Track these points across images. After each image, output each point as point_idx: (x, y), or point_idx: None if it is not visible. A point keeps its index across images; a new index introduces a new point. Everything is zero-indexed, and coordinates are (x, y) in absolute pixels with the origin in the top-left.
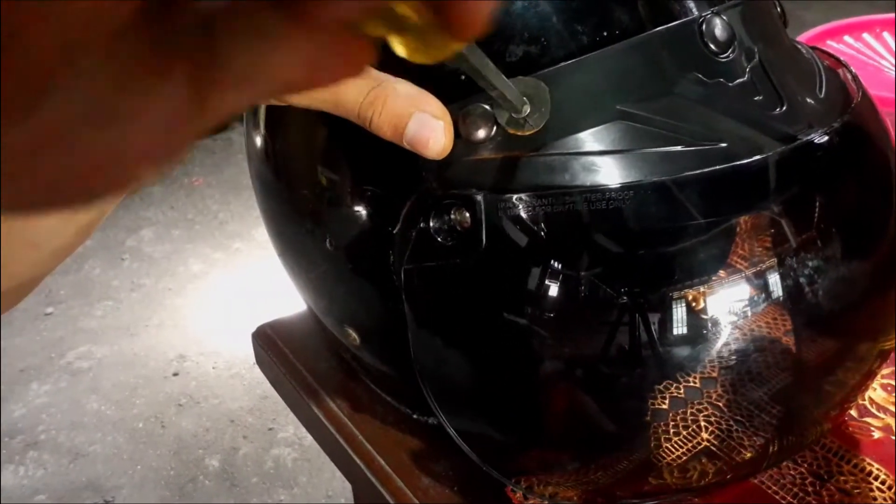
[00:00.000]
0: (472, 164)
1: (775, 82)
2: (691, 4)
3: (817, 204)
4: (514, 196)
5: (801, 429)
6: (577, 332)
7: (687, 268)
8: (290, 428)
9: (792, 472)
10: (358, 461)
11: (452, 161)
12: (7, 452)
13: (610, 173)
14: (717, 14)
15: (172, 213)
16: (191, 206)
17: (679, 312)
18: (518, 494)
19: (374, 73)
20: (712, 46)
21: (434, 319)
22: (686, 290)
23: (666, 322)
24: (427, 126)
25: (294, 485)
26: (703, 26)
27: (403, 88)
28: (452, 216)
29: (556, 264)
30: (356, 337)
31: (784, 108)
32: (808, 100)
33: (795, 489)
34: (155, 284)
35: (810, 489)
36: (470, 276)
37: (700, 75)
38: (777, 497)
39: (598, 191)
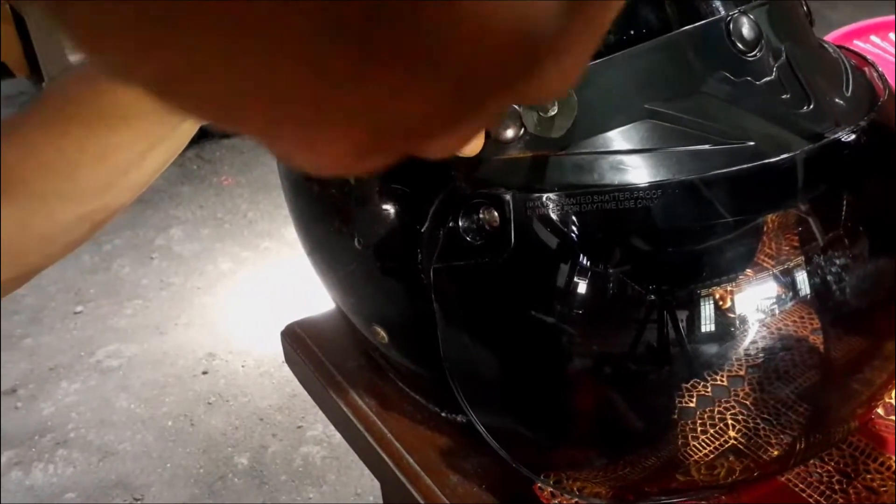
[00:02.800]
0: (500, 164)
1: (802, 81)
2: (717, 4)
3: (845, 202)
4: (543, 195)
5: (828, 427)
6: (606, 330)
7: (715, 266)
8: (319, 426)
9: (819, 471)
10: (386, 459)
11: (481, 160)
12: (37, 450)
13: (638, 172)
14: (744, 13)
15: (202, 212)
16: (220, 205)
17: (708, 310)
18: (546, 492)
19: None
20: (740, 45)
21: (463, 318)
22: (715, 288)
23: (695, 320)
24: None
25: (323, 483)
26: (731, 25)
27: None
28: (481, 215)
29: (584, 263)
30: (384, 335)
31: (811, 106)
32: (835, 98)
33: (822, 487)
34: (184, 283)
35: (837, 487)
36: (499, 275)
37: (728, 74)
38: (804, 495)
39: (627, 189)
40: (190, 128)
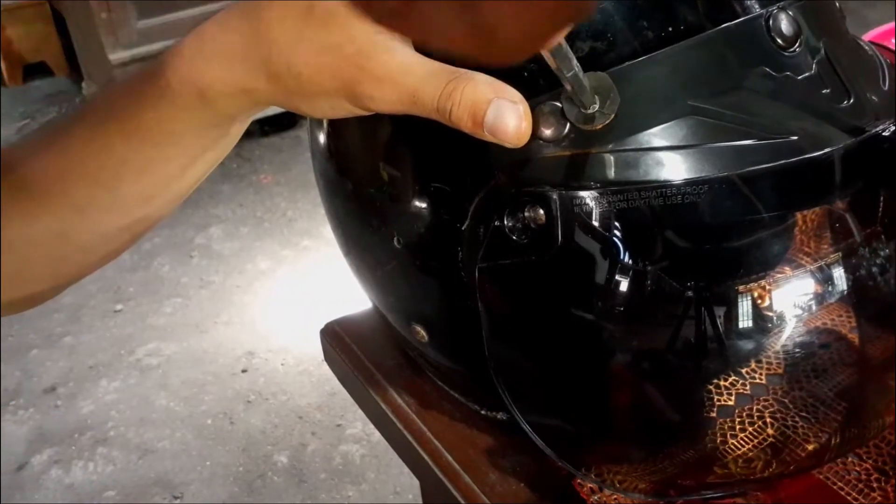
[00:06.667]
0: (543, 162)
1: (841, 75)
2: (752, 2)
3: (887, 195)
4: (590, 192)
5: (863, 422)
6: (653, 327)
7: (765, 261)
8: (359, 424)
9: (857, 468)
10: (425, 457)
11: (523, 158)
12: (76, 448)
13: (683, 168)
14: (783, 9)
15: (241, 211)
16: (259, 203)
17: (757, 307)
18: (585, 488)
19: (450, 67)
20: (779, 41)
21: (509, 317)
22: (764, 284)
23: (745, 316)
24: (507, 111)
25: (362, 481)
26: (770, 21)
27: (480, 77)
28: (526, 214)
29: (632, 260)
30: (424, 334)
31: (851, 100)
32: (874, 93)
33: (860, 485)
34: (223, 282)
35: (875, 485)
36: (545, 273)
37: (768, 70)
38: (842, 493)
39: (673, 186)
40: (230, 140)
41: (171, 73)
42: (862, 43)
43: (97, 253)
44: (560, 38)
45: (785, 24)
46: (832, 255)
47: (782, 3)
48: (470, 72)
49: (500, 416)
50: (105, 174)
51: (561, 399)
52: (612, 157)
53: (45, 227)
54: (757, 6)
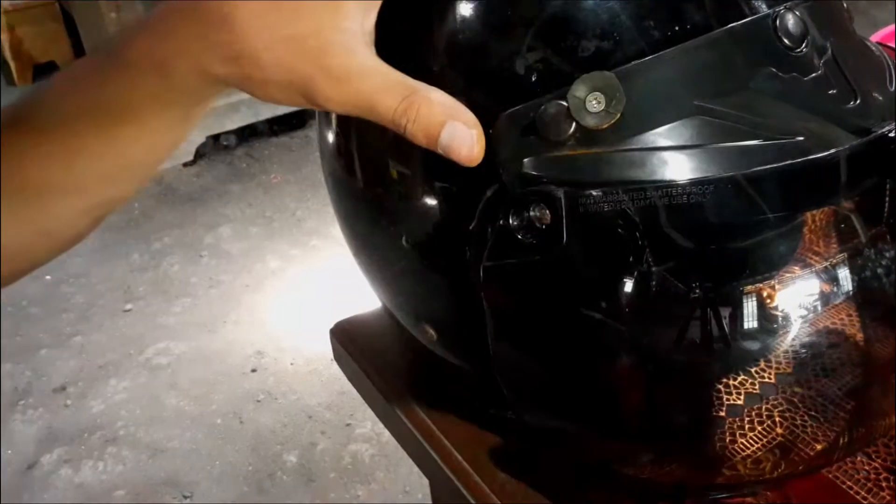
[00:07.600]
0: (549, 161)
1: (848, 76)
2: (759, 2)
3: (894, 195)
4: (595, 191)
5: (871, 421)
6: (659, 327)
7: (771, 261)
8: (368, 423)
9: (866, 468)
10: (435, 456)
11: (530, 157)
12: (86, 448)
13: (689, 168)
14: (790, 9)
15: (250, 211)
16: (269, 203)
17: (766, 307)
18: None
19: (408, 80)
20: (786, 41)
21: (514, 316)
22: (773, 283)
23: (752, 316)
24: (459, 135)
25: (371, 480)
26: (777, 21)
27: (436, 97)
28: (532, 213)
29: (637, 260)
30: (433, 333)
31: (857, 101)
32: (880, 93)
33: (869, 484)
34: (233, 281)
35: (884, 484)
36: (551, 273)
37: (775, 70)
38: (851, 492)
39: (679, 185)
40: (190, 122)
41: (132, 44)
42: (869, 44)
43: (57, 237)
44: None
45: (792, 24)
46: (838, 256)
47: (789, 3)
48: (426, 87)
49: (509, 415)
50: (64, 153)
51: (565, 400)
52: (617, 157)
53: (4, 210)
54: (764, 6)
